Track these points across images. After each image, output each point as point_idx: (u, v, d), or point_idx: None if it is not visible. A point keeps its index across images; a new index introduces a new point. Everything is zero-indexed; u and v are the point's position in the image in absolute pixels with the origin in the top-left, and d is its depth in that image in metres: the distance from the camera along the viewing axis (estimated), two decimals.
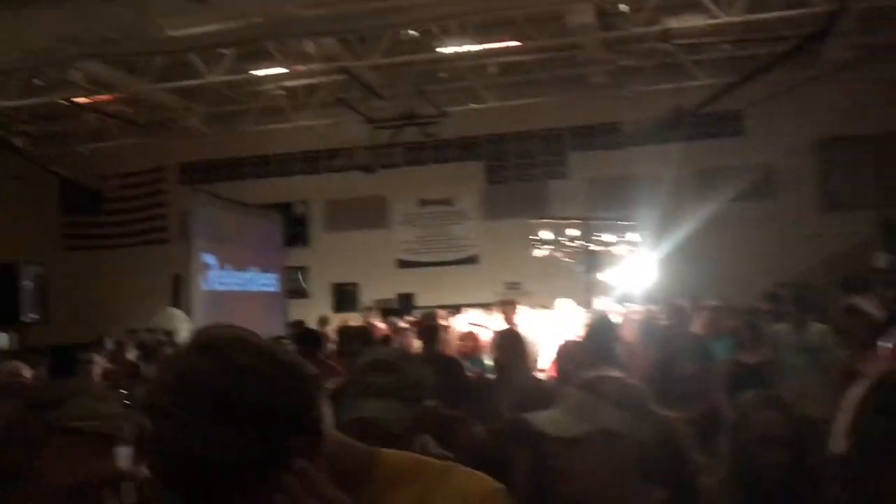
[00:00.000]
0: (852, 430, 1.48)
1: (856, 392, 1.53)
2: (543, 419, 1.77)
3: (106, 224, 19.97)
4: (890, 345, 3.90)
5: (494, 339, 5.53)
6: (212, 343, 1.10)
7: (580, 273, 9.01)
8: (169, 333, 10.59)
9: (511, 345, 4.94)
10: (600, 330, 4.95)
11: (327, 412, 1.18)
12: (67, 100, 15.07)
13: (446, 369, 5.27)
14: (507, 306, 7.55)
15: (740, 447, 2.16)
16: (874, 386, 1.51)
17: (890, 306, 7.66)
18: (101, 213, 19.86)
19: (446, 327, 8.12)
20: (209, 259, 11.77)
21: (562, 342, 5.55)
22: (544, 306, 11.56)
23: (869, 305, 8.34)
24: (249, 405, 1.05)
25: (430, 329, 5.65)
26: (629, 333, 6.97)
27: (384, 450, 1.30)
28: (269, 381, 1.08)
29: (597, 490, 1.71)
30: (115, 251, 19.62)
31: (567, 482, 1.70)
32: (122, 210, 19.99)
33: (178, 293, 12.40)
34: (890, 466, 1.38)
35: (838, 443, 1.50)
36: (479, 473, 1.28)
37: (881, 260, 14.09)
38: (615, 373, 1.91)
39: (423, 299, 15.98)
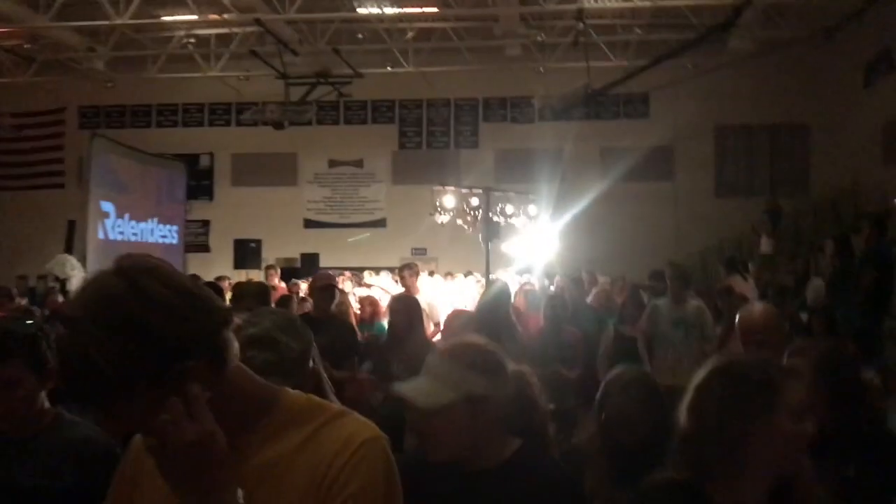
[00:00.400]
0: (689, 410, 1.63)
1: (700, 373, 1.69)
2: (411, 389, 1.86)
3: (1, 165, 19.06)
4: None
5: (389, 304, 5.66)
6: (128, 268, 1.19)
7: (481, 242, 9.20)
8: (61, 281, 10.27)
9: (405, 309, 5.03)
10: (494, 299, 5.12)
11: (233, 344, 1.24)
12: None
13: (338, 332, 5.37)
14: (407, 271, 7.63)
15: (606, 418, 2.39)
16: (715, 371, 1.67)
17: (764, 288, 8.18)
18: None
19: (343, 290, 8.20)
20: (107, 207, 11.45)
21: (452, 310, 5.74)
22: (450, 273, 11.79)
23: (745, 286, 8.91)
24: (149, 325, 1.14)
25: (323, 289, 5.67)
26: (521, 303, 7.22)
27: (288, 389, 1.35)
28: (171, 307, 1.16)
29: (461, 451, 1.85)
30: (7, 193, 18.76)
31: (434, 447, 1.85)
32: (16, 151, 19.07)
33: (72, 240, 11.99)
34: (722, 445, 1.55)
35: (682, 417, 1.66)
36: (370, 423, 1.33)
37: (767, 245, 14.89)
38: (475, 338, 2.05)
39: (327, 260, 15.94)
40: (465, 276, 11.27)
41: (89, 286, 1.21)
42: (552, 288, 9.05)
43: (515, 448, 1.92)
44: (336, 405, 1.41)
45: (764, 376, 1.61)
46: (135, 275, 1.19)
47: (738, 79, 15.49)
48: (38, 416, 2.27)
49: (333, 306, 5.93)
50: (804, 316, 7.39)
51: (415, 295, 7.47)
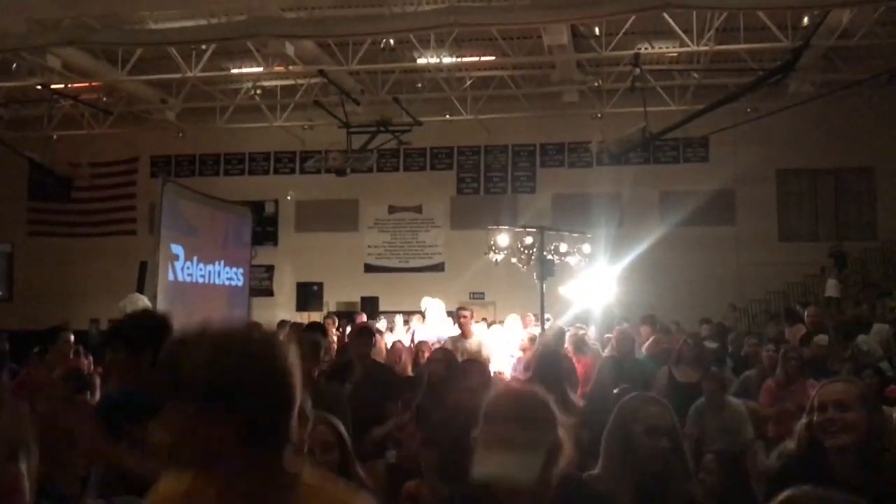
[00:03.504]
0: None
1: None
2: (502, 468, 1.83)
3: (74, 212, 19.91)
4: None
5: (432, 353, 5.75)
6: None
7: (535, 280, 9.25)
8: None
9: (445, 359, 5.06)
10: (549, 353, 5.18)
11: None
12: (44, 85, 15.09)
13: (378, 375, 5.51)
14: (461, 316, 7.75)
15: (629, 436, 2.47)
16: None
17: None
18: (71, 201, 19.79)
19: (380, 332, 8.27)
20: (177, 249, 11.85)
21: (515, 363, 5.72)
22: (502, 319, 11.72)
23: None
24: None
25: (360, 335, 5.78)
26: (570, 349, 7.25)
27: (306, 474, 1.57)
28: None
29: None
30: (82, 239, 19.58)
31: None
32: (92, 199, 19.94)
33: (144, 280, 12.41)
34: None
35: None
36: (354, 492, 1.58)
37: (833, 289, 14.57)
38: (524, 388, 2.19)
39: (386, 304, 16.16)
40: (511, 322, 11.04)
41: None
42: (607, 335, 8.94)
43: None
44: (341, 489, 1.62)
45: None
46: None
47: (799, 122, 15.33)
48: None
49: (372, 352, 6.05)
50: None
51: (469, 337, 7.57)
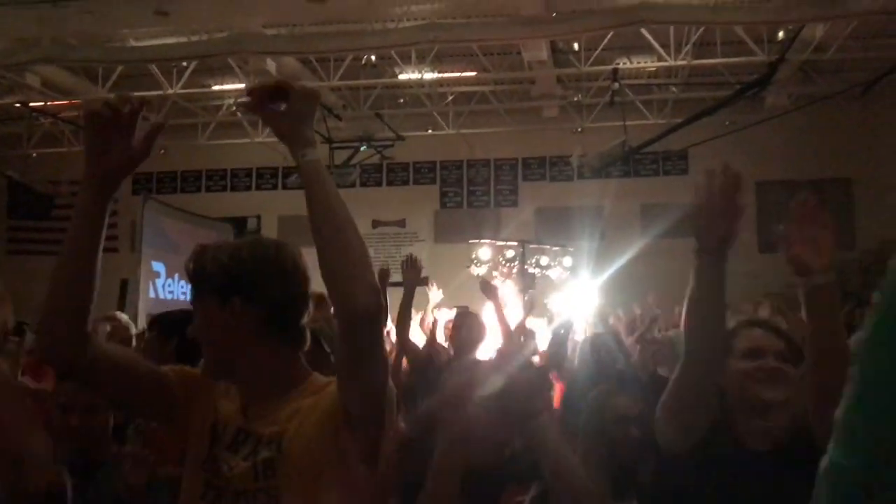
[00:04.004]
0: None
1: None
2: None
3: (55, 230, 19.76)
4: None
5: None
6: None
7: (517, 292, 9.33)
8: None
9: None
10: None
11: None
12: (23, 103, 15.03)
13: None
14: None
15: (601, 426, 2.52)
16: None
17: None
18: (51, 219, 19.66)
19: None
20: (158, 267, 11.85)
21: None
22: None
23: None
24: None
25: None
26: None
27: (317, 375, 1.82)
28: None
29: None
30: None
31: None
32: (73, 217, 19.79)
33: (125, 298, 12.38)
34: None
35: None
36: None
37: None
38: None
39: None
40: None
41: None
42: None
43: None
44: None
45: None
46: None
47: (776, 135, 15.51)
48: None
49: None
50: None
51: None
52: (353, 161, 15.45)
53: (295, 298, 1.73)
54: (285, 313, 1.71)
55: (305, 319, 1.77)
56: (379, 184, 19.19)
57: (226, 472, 1.65)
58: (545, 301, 11.59)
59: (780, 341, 2.14)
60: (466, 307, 7.40)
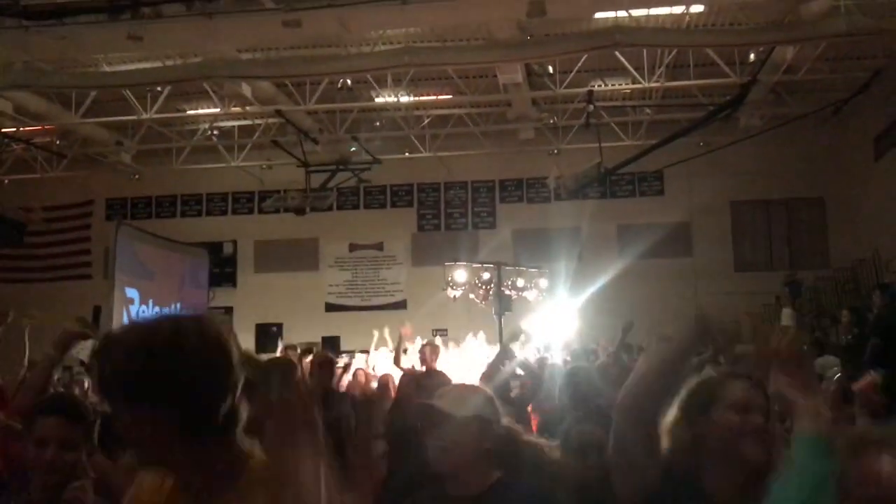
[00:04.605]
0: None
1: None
2: (441, 402, 2.29)
3: (28, 257, 19.51)
4: None
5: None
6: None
7: (494, 315, 9.31)
8: (86, 365, 10.39)
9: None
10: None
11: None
12: None
13: (342, 407, 5.54)
14: (429, 349, 7.79)
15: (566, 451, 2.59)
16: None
17: None
18: (24, 246, 19.40)
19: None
20: (132, 293, 11.71)
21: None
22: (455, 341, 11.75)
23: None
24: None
25: (322, 366, 5.90)
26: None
27: (255, 454, 1.55)
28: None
29: (461, 464, 2.17)
30: (36, 285, 19.15)
31: (441, 455, 2.19)
32: (46, 244, 19.55)
33: (98, 325, 12.20)
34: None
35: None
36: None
37: (788, 317, 14.80)
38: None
39: (348, 343, 16.02)
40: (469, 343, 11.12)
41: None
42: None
43: (496, 478, 2.22)
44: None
45: None
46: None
47: (750, 155, 15.68)
48: None
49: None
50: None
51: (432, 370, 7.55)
52: (330, 184, 15.41)
53: (219, 388, 1.47)
54: (209, 407, 1.45)
55: (236, 401, 1.51)
56: (356, 206, 19.16)
57: None
58: (522, 326, 11.56)
59: (764, 398, 2.09)
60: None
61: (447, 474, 2.19)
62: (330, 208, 16.61)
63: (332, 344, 15.75)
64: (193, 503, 1.49)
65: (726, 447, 2.01)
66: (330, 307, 18.90)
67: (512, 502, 2.12)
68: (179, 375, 1.42)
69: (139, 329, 1.49)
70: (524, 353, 8.67)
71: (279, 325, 15.86)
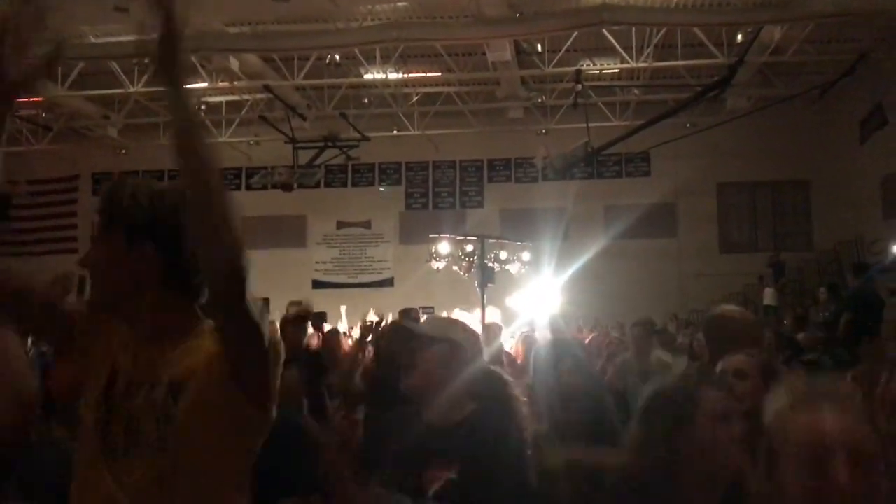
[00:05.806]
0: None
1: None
2: (415, 326, 2.46)
3: (13, 231, 19.44)
4: None
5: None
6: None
7: (476, 287, 9.35)
8: None
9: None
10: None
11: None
12: None
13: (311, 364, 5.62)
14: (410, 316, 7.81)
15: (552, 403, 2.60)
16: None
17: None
18: (9, 220, 19.34)
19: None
20: None
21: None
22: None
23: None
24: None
25: (295, 322, 5.91)
26: (519, 351, 7.31)
27: (209, 322, 1.68)
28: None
29: (433, 387, 2.19)
30: (21, 259, 19.08)
31: (415, 377, 2.23)
32: (31, 217, 19.50)
33: (83, 294, 12.23)
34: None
35: None
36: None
37: (770, 297, 14.97)
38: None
39: (335, 320, 16.06)
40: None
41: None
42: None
43: (472, 409, 2.22)
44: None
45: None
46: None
47: (737, 136, 15.76)
48: None
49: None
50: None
51: None
52: (318, 161, 15.39)
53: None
54: (195, 265, 1.59)
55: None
56: (344, 184, 19.16)
57: (123, 412, 1.59)
58: (506, 300, 11.63)
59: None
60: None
61: (422, 399, 2.22)
62: (318, 185, 16.63)
63: (319, 320, 15.78)
64: (153, 347, 1.61)
65: (707, 460, 1.84)
66: (317, 284, 18.93)
67: (485, 432, 2.13)
68: (181, 227, 1.58)
69: (161, 184, 1.66)
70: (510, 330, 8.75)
71: (266, 300, 15.83)
